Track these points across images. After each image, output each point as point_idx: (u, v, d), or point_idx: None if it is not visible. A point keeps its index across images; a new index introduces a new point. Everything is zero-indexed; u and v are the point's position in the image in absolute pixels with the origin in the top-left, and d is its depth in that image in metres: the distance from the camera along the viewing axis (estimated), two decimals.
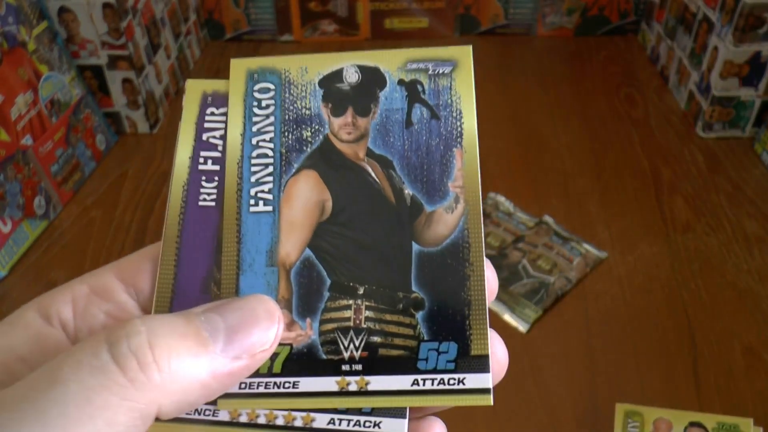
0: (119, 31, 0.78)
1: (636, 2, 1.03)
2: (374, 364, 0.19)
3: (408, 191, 0.21)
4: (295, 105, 0.22)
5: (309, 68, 0.22)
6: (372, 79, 0.21)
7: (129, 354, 0.16)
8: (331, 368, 0.19)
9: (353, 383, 0.19)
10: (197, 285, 0.21)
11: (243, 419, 0.19)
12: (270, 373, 0.19)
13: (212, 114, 0.22)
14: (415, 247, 0.20)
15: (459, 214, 0.21)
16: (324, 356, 0.20)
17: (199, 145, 0.22)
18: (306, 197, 0.21)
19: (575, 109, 0.90)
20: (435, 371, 0.19)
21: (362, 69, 0.22)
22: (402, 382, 0.19)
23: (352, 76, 0.22)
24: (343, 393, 0.19)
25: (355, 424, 0.19)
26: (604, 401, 0.54)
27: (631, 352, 0.58)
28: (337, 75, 0.22)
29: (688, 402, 0.53)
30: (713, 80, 0.79)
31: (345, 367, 0.19)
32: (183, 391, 0.16)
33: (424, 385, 0.19)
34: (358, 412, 0.19)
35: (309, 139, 0.21)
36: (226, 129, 0.22)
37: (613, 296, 0.63)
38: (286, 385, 0.19)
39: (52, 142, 0.73)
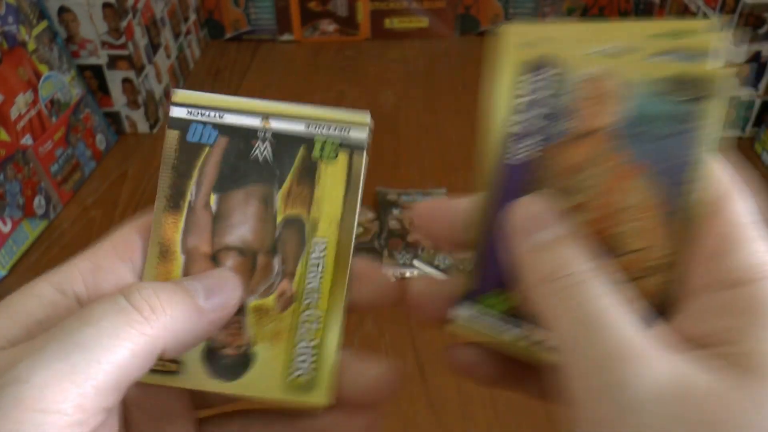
0: (119, 30, 0.78)
1: (636, 2, 1.03)
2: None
3: None
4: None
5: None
6: None
7: (142, 300, 0.20)
8: None
9: None
10: None
11: None
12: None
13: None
14: None
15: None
16: None
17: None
18: None
19: None
20: None
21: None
22: None
23: None
24: None
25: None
26: None
27: None
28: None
29: None
30: None
31: None
32: (181, 330, 0.21)
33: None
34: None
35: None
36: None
37: None
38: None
39: (52, 142, 0.73)
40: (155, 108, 0.88)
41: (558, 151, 0.22)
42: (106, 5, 0.76)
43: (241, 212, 0.24)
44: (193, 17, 1.02)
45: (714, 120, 0.21)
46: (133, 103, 0.84)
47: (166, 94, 0.91)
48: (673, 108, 0.21)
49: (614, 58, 0.21)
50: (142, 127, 0.86)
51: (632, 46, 0.21)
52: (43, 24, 0.74)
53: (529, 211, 0.21)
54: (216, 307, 0.22)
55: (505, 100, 0.23)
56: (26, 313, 0.21)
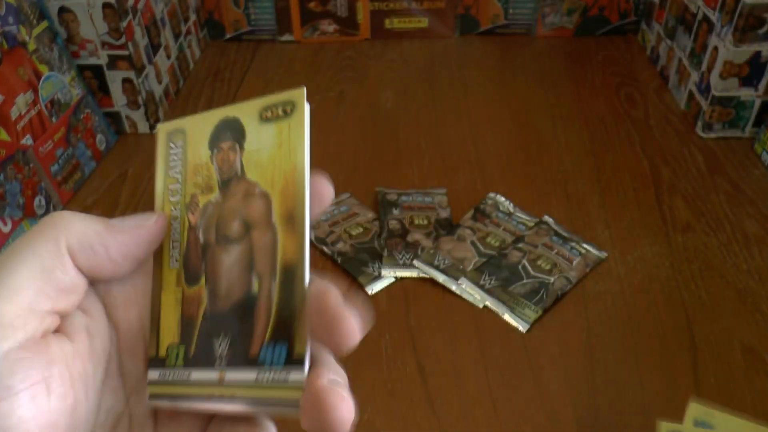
0: (119, 31, 0.78)
1: (636, 2, 1.03)
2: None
3: None
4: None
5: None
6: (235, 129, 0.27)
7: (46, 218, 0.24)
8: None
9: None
10: None
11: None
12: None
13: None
14: None
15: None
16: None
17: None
18: None
19: (575, 109, 0.90)
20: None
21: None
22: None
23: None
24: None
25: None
26: (604, 401, 0.54)
27: (631, 352, 0.58)
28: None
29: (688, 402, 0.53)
30: (713, 80, 0.80)
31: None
32: (83, 233, 0.24)
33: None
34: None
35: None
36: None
37: (613, 296, 0.63)
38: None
39: (52, 142, 0.73)
40: (155, 108, 0.88)
41: None
42: (106, 5, 0.76)
43: None
44: (193, 17, 1.02)
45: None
46: (133, 103, 0.84)
47: (166, 95, 0.91)
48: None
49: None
50: (142, 127, 0.86)
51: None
52: (44, 24, 0.74)
53: None
54: (127, 226, 0.25)
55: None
56: None
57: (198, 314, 0.25)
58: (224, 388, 0.24)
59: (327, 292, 0.23)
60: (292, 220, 0.24)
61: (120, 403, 0.25)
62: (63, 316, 0.24)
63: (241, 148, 0.26)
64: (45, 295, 0.22)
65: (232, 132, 0.26)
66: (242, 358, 0.24)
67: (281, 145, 0.25)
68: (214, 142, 0.26)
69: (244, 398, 0.24)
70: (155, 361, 0.26)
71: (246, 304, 0.24)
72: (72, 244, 0.23)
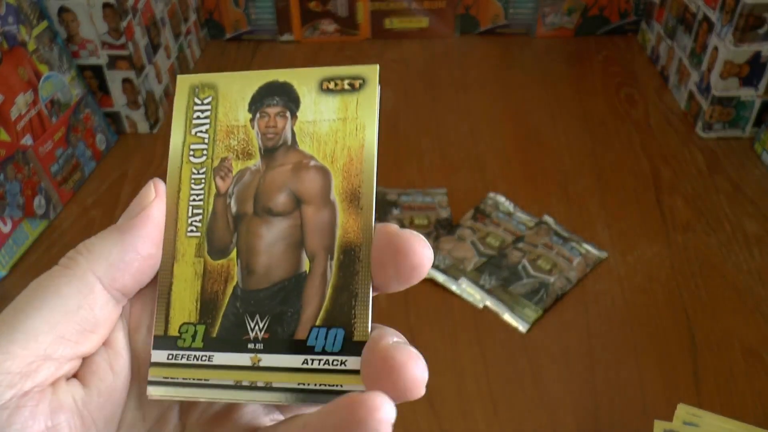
0: (119, 31, 0.78)
1: (636, 2, 1.03)
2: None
3: None
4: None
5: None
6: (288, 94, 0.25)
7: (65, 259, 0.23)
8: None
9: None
10: None
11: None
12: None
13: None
14: None
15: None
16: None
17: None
18: None
19: (575, 109, 0.90)
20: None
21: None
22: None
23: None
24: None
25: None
26: (604, 401, 0.54)
27: (631, 352, 0.58)
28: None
29: (688, 402, 0.53)
30: (713, 80, 0.79)
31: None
32: (107, 253, 0.22)
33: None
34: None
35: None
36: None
37: (613, 296, 0.63)
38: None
39: (52, 142, 0.73)
40: (155, 108, 0.88)
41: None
42: (106, 5, 0.76)
43: None
44: (193, 17, 1.02)
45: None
46: (133, 103, 0.84)
47: (166, 94, 0.91)
48: None
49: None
50: (142, 127, 0.86)
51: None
52: (44, 24, 0.74)
53: None
54: (128, 216, 0.23)
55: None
56: None
57: (224, 291, 0.23)
58: (258, 373, 0.22)
59: (389, 225, 0.22)
60: (357, 199, 0.23)
61: None
62: (85, 358, 0.22)
63: (294, 116, 0.24)
64: (65, 340, 0.21)
65: (281, 97, 0.24)
66: (285, 341, 0.22)
67: (346, 119, 0.23)
68: (257, 105, 0.24)
69: (283, 386, 0.22)
70: (162, 341, 0.23)
71: (291, 284, 0.23)
72: (99, 269, 0.22)
